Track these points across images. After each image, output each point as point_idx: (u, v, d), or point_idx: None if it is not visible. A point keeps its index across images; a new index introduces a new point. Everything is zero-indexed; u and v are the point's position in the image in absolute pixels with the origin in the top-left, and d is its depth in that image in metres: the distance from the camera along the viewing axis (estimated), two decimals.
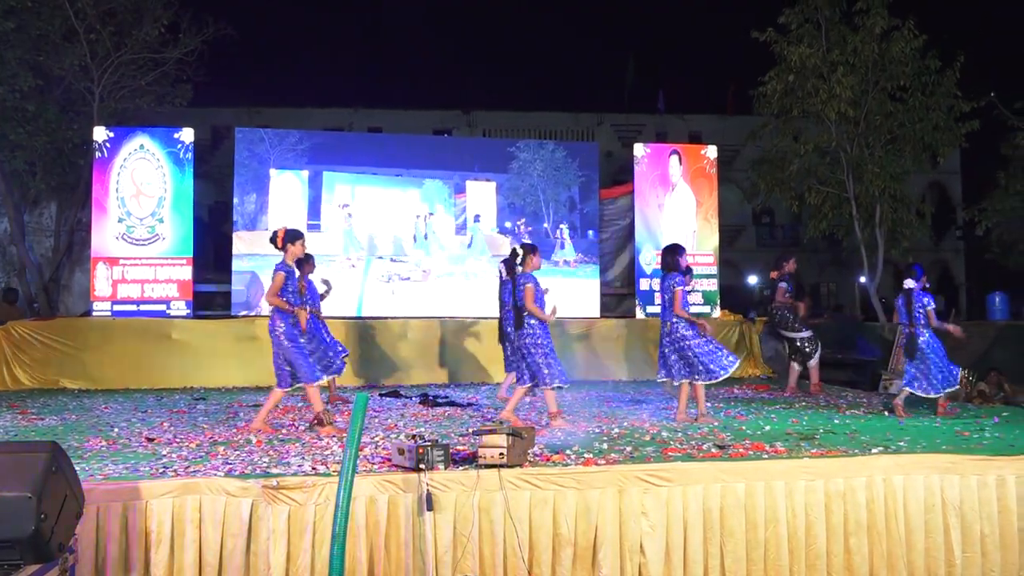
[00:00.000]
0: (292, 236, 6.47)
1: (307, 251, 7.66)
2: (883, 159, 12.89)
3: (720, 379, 6.79)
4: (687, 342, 6.82)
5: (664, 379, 7.12)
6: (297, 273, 6.60)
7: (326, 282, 9.09)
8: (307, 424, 6.66)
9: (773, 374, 11.54)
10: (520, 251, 6.83)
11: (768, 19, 13.05)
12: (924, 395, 7.29)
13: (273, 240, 6.46)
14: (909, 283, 7.41)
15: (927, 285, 7.54)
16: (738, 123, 23.18)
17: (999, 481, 4.91)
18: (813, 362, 9.26)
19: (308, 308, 6.66)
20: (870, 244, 13.51)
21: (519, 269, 6.78)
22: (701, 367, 6.78)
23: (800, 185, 13.78)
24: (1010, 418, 7.01)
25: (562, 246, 12.54)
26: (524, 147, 12.78)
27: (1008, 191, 14.28)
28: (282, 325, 6.34)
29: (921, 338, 7.30)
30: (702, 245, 12.48)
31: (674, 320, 6.90)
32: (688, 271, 7.30)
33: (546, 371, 6.55)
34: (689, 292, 7.51)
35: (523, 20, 43.88)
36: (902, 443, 5.59)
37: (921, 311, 7.28)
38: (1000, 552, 4.83)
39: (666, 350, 6.99)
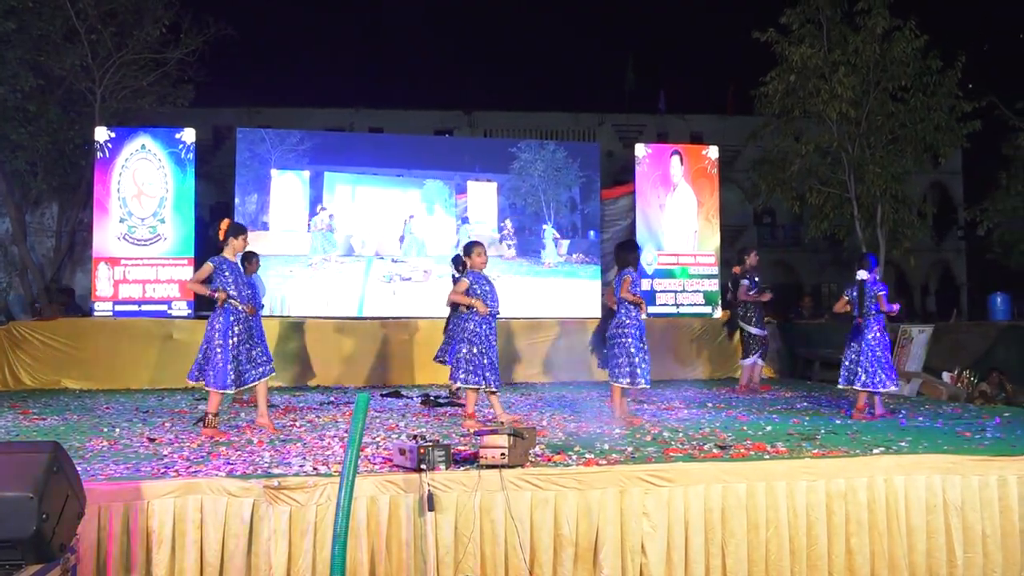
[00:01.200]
0: (235, 230, 6.32)
1: (252, 250, 7.65)
2: (884, 159, 12.90)
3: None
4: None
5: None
6: (236, 267, 6.36)
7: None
8: (196, 419, 6.56)
9: (775, 374, 11.54)
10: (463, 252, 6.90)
11: (769, 19, 13.08)
12: (862, 389, 7.16)
13: (216, 231, 6.32)
14: (862, 274, 7.36)
15: (879, 276, 7.47)
16: (739, 123, 23.18)
17: (1000, 481, 4.90)
18: (748, 361, 9.41)
19: (247, 306, 6.32)
20: (871, 244, 13.51)
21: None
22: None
23: (801, 185, 13.78)
24: (1012, 418, 7.00)
25: (544, 247, 12.53)
26: (525, 147, 12.79)
27: (1009, 191, 14.28)
28: (220, 322, 6.15)
29: (870, 332, 7.25)
30: (703, 245, 12.47)
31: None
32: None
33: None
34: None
35: (523, 20, 43.90)
36: (903, 443, 5.59)
37: (872, 300, 7.23)
38: (1002, 552, 4.82)
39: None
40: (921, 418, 7.13)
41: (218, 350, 6.15)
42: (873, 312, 7.22)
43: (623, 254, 7.21)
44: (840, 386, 7.39)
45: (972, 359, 9.73)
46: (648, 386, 6.93)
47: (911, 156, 13.29)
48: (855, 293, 7.32)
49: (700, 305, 12.05)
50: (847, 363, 7.33)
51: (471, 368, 6.60)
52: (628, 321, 6.94)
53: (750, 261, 9.55)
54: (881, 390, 7.16)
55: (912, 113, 12.91)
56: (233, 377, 6.16)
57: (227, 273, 6.25)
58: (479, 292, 6.66)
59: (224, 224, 6.33)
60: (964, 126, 12.93)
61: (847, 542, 4.72)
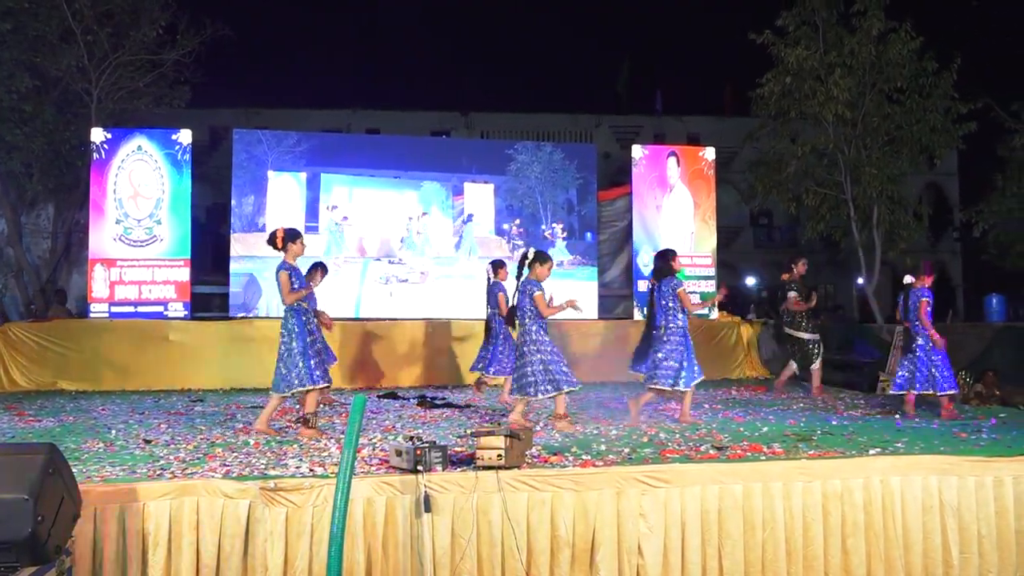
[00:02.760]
0: (292, 235, 6.45)
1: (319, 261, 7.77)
2: (880, 161, 12.92)
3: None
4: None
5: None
6: (299, 271, 6.52)
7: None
8: (297, 419, 6.64)
9: (771, 376, 11.54)
10: (530, 256, 6.76)
11: (765, 21, 13.09)
12: (923, 392, 7.31)
13: (272, 240, 6.43)
14: (908, 279, 7.43)
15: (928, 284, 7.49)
16: (736, 124, 23.19)
17: (996, 482, 4.92)
18: (815, 366, 9.24)
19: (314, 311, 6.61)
20: (867, 245, 13.53)
21: (526, 274, 6.74)
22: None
23: (798, 187, 13.80)
24: (1007, 419, 7.03)
25: (553, 245, 12.54)
26: (522, 149, 12.78)
27: (1005, 193, 14.29)
28: (295, 325, 6.32)
29: (920, 337, 7.32)
30: (700, 246, 12.49)
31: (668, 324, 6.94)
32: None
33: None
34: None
35: (520, 21, 43.91)
36: (899, 444, 5.60)
37: (914, 307, 7.28)
38: (997, 553, 4.84)
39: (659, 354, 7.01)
40: (917, 419, 7.15)
41: (296, 350, 6.28)
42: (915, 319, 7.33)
43: (660, 263, 7.17)
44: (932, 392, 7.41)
45: (968, 360, 9.76)
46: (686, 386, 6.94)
47: (907, 157, 13.31)
48: (901, 299, 7.43)
49: (696, 306, 12.02)
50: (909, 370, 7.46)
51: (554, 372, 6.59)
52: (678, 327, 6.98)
53: (798, 270, 9.38)
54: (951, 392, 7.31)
55: (908, 115, 12.93)
56: (319, 372, 6.32)
57: (295, 280, 6.39)
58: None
59: (280, 232, 6.44)
60: (959, 127, 12.95)
61: (843, 543, 4.73)
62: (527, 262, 6.73)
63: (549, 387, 6.51)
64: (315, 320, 6.62)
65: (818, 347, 9.24)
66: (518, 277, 6.76)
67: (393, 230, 12.13)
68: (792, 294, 9.28)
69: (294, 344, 6.31)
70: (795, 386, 9.77)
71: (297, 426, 6.82)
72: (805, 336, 9.25)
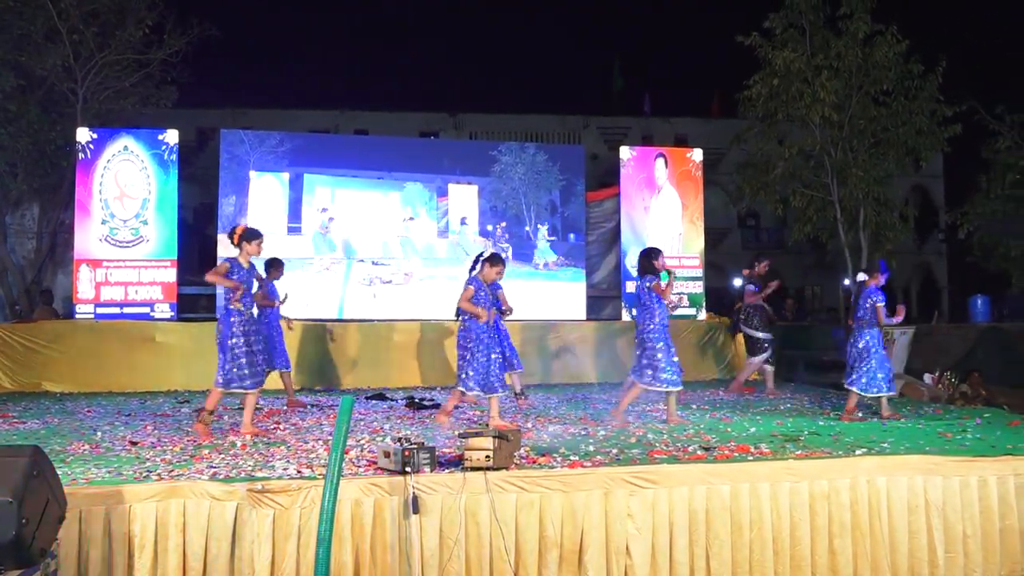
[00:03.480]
0: (249, 235, 6.43)
1: (277, 257, 7.78)
2: (867, 163, 12.99)
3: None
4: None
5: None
6: (246, 272, 6.48)
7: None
8: (194, 410, 6.68)
9: (759, 376, 11.58)
10: (485, 254, 6.98)
11: (753, 23, 13.13)
12: (869, 394, 7.26)
13: (230, 235, 6.44)
14: (861, 276, 7.46)
15: (882, 283, 7.45)
16: (723, 126, 23.31)
17: (981, 482, 4.95)
18: (757, 360, 9.51)
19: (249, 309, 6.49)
20: (854, 247, 13.61)
21: (476, 271, 6.89)
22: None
23: (785, 188, 13.86)
24: (991, 419, 7.08)
25: (536, 247, 12.54)
26: (506, 150, 12.77)
27: (989, 195, 14.41)
28: (223, 325, 6.33)
29: (865, 337, 7.30)
30: (688, 248, 12.53)
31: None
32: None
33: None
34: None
35: (510, 23, 43.96)
36: (886, 444, 5.64)
37: (867, 307, 7.28)
38: (982, 552, 4.88)
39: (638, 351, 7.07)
40: (903, 419, 7.19)
41: (221, 351, 6.31)
42: (865, 319, 7.30)
43: (642, 262, 7.19)
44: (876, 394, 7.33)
45: (953, 361, 9.83)
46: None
47: (893, 159, 13.40)
48: (854, 296, 7.42)
49: (684, 307, 12.09)
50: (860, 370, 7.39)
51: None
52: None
53: (759, 270, 9.65)
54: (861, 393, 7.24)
55: (894, 117, 13.01)
56: (235, 377, 6.31)
57: (235, 276, 6.33)
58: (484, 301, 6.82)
59: (239, 229, 6.44)
60: (945, 130, 13.04)
61: (830, 543, 4.75)
62: (480, 260, 6.90)
63: (475, 386, 6.70)
64: (253, 324, 6.52)
65: (770, 346, 9.46)
66: (471, 272, 6.93)
67: (376, 231, 12.08)
68: (750, 287, 9.50)
69: (223, 342, 6.32)
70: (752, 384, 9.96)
71: (286, 427, 6.81)
72: (759, 335, 9.48)
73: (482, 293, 6.81)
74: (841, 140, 13.14)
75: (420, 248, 12.16)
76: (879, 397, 7.28)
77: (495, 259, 6.96)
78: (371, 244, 12.04)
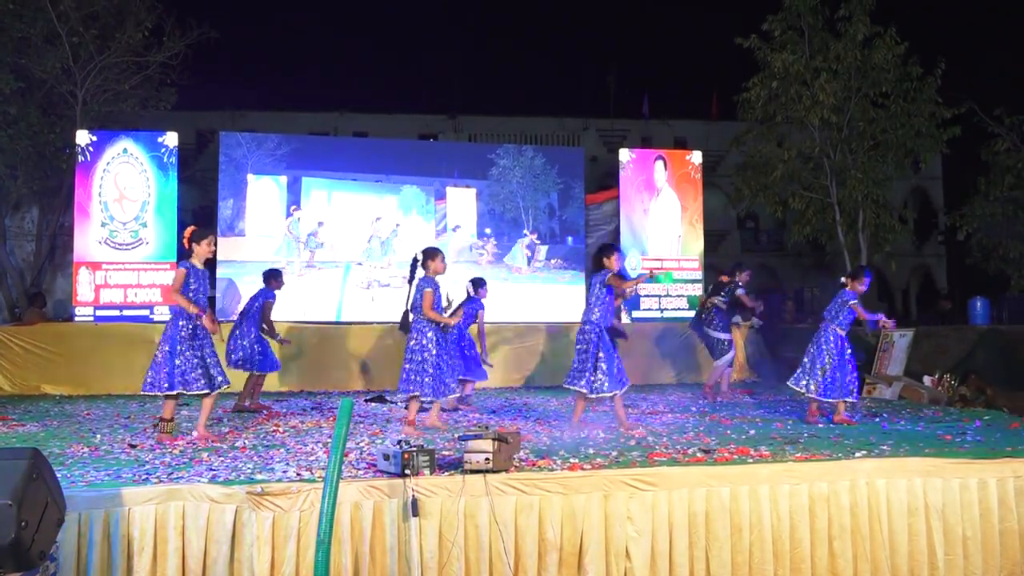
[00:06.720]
0: (198, 236, 6.25)
1: (276, 268, 8.18)
2: (866, 165, 13.00)
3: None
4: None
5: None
6: (200, 273, 6.30)
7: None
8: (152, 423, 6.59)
9: (758, 378, 11.59)
10: (420, 256, 6.81)
11: (752, 26, 13.15)
12: (808, 394, 7.23)
13: (183, 238, 6.32)
14: (843, 279, 7.49)
15: (862, 289, 7.38)
16: (722, 128, 23.27)
17: (980, 484, 4.96)
18: (722, 361, 9.46)
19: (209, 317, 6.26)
20: (853, 249, 13.61)
21: (420, 273, 6.76)
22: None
23: (784, 190, 13.86)
24: (991, 422, 7.08)
25: (508, 252, 12.54)
26: (504, 153, 12.78)
27: (988, 197, 14.39)
28: (170, 328, 6.12)
29: (833, 338, 7.27)
30: (687, 250, 12.53)
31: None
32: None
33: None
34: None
35: (509, 25, 43.97)
36: (885, 447, 5.64)
37: (841, 307, 7.26)
38: (981, 554, 4.88)
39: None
40: (902, 421, 7.20)
41: (165, 353, 6.06)
42: (837, 320, 7.27)
43: (595, 256, 7.14)
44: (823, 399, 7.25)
45: (952, 363, 9.82)
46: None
47: (892, 161, 13.41)
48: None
49: (684, 310, 12.10)
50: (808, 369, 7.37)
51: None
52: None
53: (741, 278, 9.59)
54: (847, 400, 7.18)
55: (893, 119, 13.02)
56: (179, 380, 6.04)
57: (193, 282, 6.18)
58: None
59: (188, 231, 6.31)
60: (944, 132, 13.05)
61: (830, 545, 4.75)
62: (419, 263, 6.76)
63: (428, 390, 6.66)
64: (201, 329, 6.23)
65: (728, 346, 9.44)
66: (410, 281, 6.76)
67: (374, 234, 12.07)
68: (740, 291, 9.51)
69: (166, 347, 6.09)
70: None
71: (284, 431, 6.80)
72: (720, 335, 9.46)
73: (439, 293, 6.75)
74: (840, 142, 13.15)
75: (417, 251, 12.15)
76: (836, 402, 7.16)
77: (434, 252, 6.83)
78: (368, 247, 12.04)
